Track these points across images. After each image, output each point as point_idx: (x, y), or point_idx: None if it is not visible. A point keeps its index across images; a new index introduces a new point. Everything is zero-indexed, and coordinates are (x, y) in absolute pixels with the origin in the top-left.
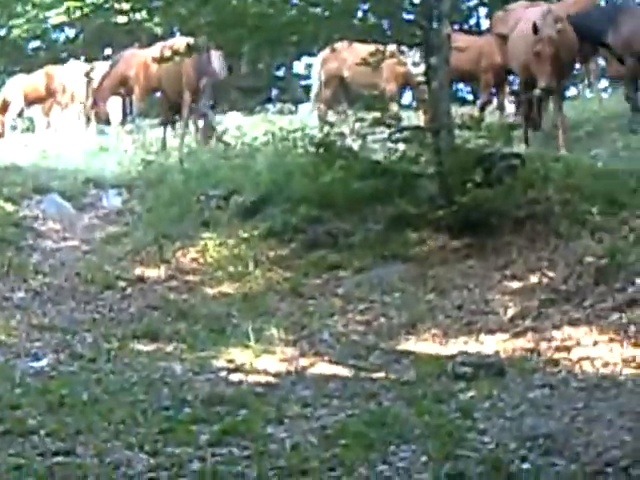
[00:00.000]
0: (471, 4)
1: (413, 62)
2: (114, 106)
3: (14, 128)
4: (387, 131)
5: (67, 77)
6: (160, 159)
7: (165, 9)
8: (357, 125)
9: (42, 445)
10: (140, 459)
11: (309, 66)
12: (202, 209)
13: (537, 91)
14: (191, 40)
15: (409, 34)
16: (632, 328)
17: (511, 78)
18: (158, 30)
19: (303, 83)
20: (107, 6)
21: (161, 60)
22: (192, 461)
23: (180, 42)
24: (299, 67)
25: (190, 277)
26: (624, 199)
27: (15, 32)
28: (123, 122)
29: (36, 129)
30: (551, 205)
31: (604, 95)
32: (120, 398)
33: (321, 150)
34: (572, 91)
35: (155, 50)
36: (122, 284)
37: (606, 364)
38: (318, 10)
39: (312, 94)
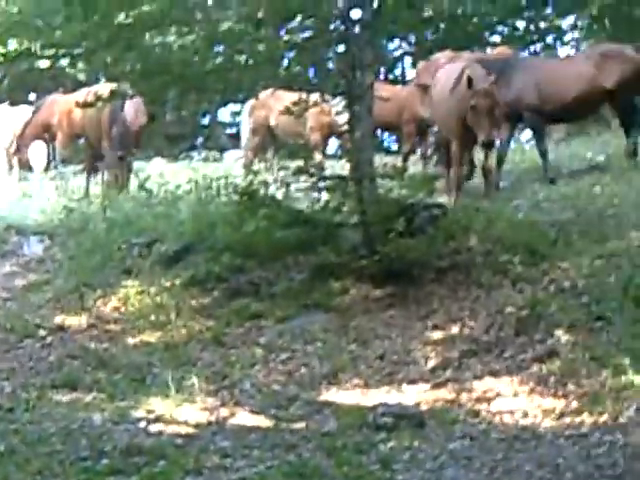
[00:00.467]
0: (396, 54)
1: (337, 111)
2: (37, 152)
3: None
4: (310, 180)
5: None
6: (83, 207)
7: (88, 56)
8: (281, 174)
9: None
10: None
11: (234, 114)
12: (124, 257)
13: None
14: (114, 86)
15: (333, 83)
16: (552, 379)
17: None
18: (82, 76)
19: (228, 131)
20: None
21: (84, 106)
22: None
23: (103, 88)
24: (224, 114)
25: (111, 326)
26: (545, 250)
27: None
28: (46, 168)
29: None
30: (473, 255)
31: (526, 146)
32: (38, 449)
33: (244, 199)
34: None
35: (79, 96)
36: (42, 333)
37: (526, 415)
38: (243, 57)
39: (242, 142)
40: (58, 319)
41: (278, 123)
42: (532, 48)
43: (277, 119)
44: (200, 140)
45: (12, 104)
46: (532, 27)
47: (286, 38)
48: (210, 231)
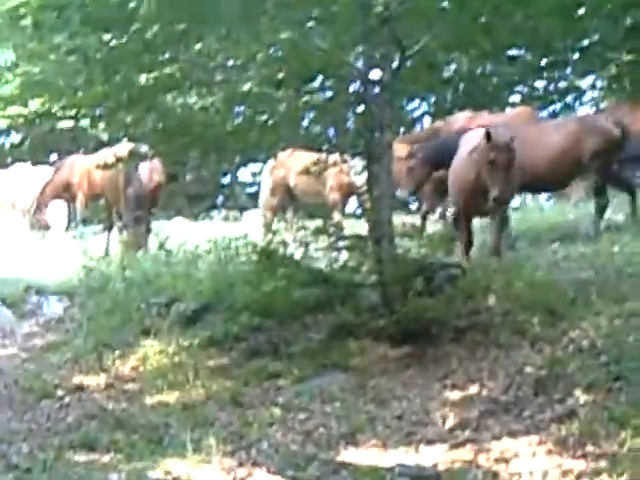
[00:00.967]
0: (416, 114)
1: (355, 171)
2: (58, 212)
3: None
4: (329, 240)
5: (9, 181)
6: (102, 266)
7: (109, 117)
8: (300, 233)
9: None
10: None
11: (254, 174)
12: (143, 317)
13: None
14: (132, 147)
15: (351, 143)
16: (571, 440)
17: None
18: (104, 136)
19: (248, 190)
20: (51, 112)
21: (104, 167)
22: None
23: (122, 149)
24: (244, 174)
25: (129, 386)
26: (563, 310)
27: None
28: (67, 228)
29: None
30: (491, 315)
31: (545, 205)
32: None
33: (263, 258)
34: (514, 201)
35: (99, 157)
36: (60, 393)
37: (545, 476)
38: (263, 118)
39: (260, 202)
40: (76, 379)
41: (297, 183)
42: (551, 108)
43: (296, 179)
44: (220, 200)
45: (33, 164)
46: (551, 87)
47: (306, 99)
48: (229, 291)
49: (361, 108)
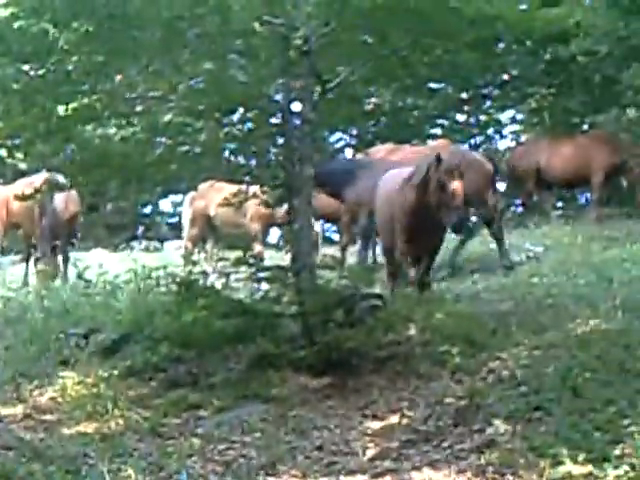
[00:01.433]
0: (338, 146)
1: (276, 202)
2: None
3: None
4: (249, 270)
5: None
6: (20, 296)
7: (27, 147)
8: (220, 264)
9: None
10: None
11: (175, 204)
12: (61, 347)
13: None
14: (49, 177)
15: (272, 175)
16: (490, 469)
17: None
18: (23, 165)
19: (169, 221)
20: None
21: (22, 198)
22: None
23: (39, 179)
24: (165, 205)
25: (47, 416)
26: (483, 340)
27: None
28: None
29: None
30: (412, 346)
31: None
32: None
33: (183, 288)
34: None
35: (17, 186)
36: None
37: None
38: (184, 149)
39: (183, 233)
40: None
41: (217, 214)
42: (472, 141)
43: (216, 210)
44: (141, 230)
45: None
46: (472, 120)
47: (227, 130)
48: (148, 321)
49: (282, 140)
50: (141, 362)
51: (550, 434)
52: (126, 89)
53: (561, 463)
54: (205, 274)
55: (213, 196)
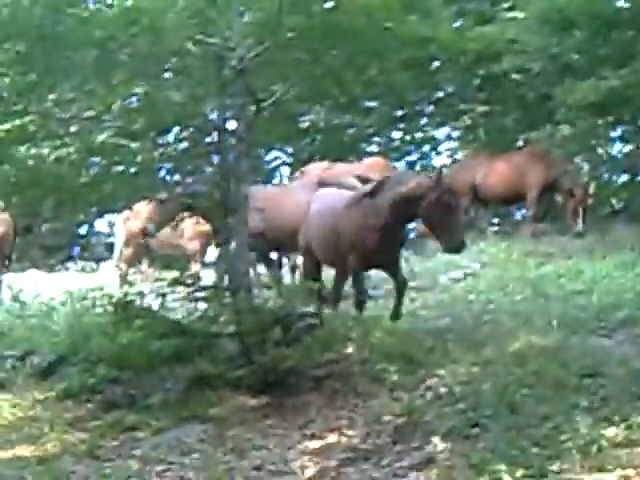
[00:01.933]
0: (274, 164)
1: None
2: None
3: None
4: (186, 290)
5: None
6: None
7: None
8: (157, 284)
9: None
10: None
11: (112, 224)
12: None
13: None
14: None
15: (208, 194)
16: None
17: None
18: None
19: (105, 241)
20: None
21: None
22: None
23: None
24: (101, 225)
25: None
26: (421, 358)
27: None
28: None
29: None
30: (350, 364)
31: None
32: None
33: (119, 310)
34: None
35: None
36: None
37: None
38: (119, 169)
39: (114, 253)
40: None
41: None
42: (408, 158)
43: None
44: (77, 250)
45: None
46: (408, 138)
47: (162, 150)
48: (85, 342)
49: (217, 159)
50: (78, 384)
51: (488, 450)
52: (60, 109)
53: (500, 479)
54: (142, 294)
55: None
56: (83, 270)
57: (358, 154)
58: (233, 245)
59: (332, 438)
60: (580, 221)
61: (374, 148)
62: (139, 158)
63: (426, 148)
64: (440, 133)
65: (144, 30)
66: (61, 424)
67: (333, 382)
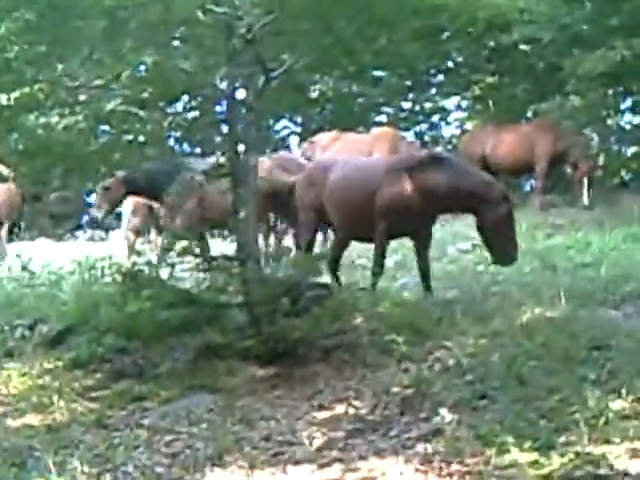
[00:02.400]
0: (283, 133)
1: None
2: None
3: None
4: (195, 261)
5: None
6: None
7: None
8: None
9: None
10: None
11: None
12: (6, 339)
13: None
14: None
15: (217, 163)
16: (437, 458)
17: None
18: None
19: None
20: None
21: None
22: None
23: None
24: None
25: None
26: (429, 329)
27: None
28: None
29: None
30: (358, 335)
31: None
32: None
33: (128, 279)
34: None
35: None
36: None
37: None
38: (128, 137)
39: (122, 223)
40: None
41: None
42: (417, 128)
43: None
44: (86, 219)
45: None
46: (417, 108)
47: (171, 119)
48: (93, 312)
49: (226, 129)
50: (86, 353)
51: (496, 422)
52: (68, 78)
53: (507, 451)
54: (150, 264)
55: None
56: (92, 239)
57: (367, 124)
58: (242, 215)
59: (340, 409)
60: (585, 193)
61: (383, 118)
62: (148, 127)
63: (435, 118)
64: (449, 103)
65: None
66: (70, 393)
67: (342, 353)
